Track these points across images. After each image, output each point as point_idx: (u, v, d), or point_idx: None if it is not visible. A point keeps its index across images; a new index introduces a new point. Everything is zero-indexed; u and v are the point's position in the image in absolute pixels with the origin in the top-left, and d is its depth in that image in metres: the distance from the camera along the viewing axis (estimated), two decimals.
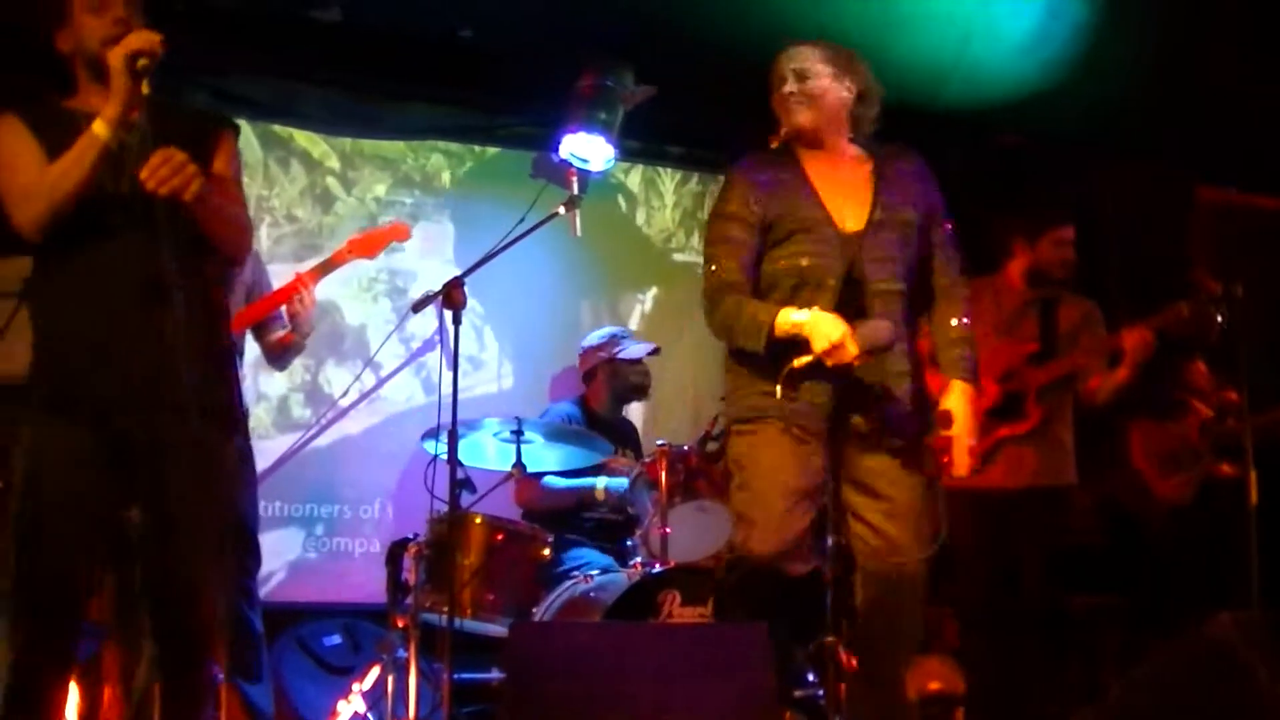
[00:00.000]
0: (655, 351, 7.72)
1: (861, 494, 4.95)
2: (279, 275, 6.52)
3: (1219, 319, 6.00)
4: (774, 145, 5.02)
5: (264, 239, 7.73)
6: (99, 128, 3.85)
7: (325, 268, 6.47)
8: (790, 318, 4.66)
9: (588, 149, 7.47)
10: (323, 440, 7.68)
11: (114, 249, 3.95)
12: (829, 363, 4.61)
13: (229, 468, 4.21)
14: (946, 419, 4.83)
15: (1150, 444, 7.17)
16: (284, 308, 6.18)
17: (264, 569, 6.26)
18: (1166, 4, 7.68)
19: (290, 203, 7.96)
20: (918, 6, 7.62)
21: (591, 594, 6.35)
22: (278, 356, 6.33)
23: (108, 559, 4.17)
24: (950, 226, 5.07)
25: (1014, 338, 6.28)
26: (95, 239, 3.97)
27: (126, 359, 3.95)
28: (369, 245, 6.71)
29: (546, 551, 6.50)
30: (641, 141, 8.37)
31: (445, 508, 5.56)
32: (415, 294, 7.77)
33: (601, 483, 7.14)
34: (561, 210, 6.36)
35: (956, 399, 4.85)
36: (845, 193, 4.87)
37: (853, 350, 4.58)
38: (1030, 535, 6.17)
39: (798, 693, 6.32)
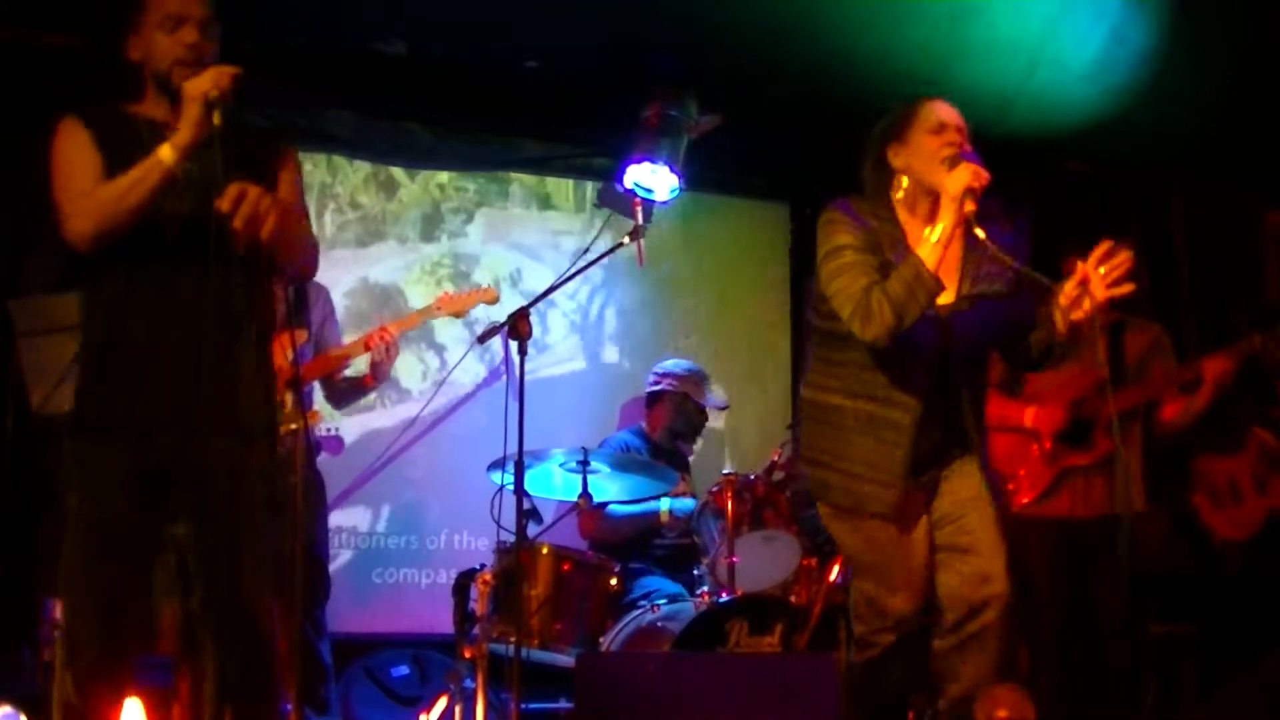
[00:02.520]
0: (725, 408, 7.72)
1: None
2: (341, 261, 6.55)
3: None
4: (897, 195, 4.89)
5: (328, 225, 7.82)
6: (166, 154, 3.87)
7: (412, 321, 6.55)
8: (929, 238, 4.55)
9: (652, 179, 7.48)
10: (390, 470, 7.70)
11: (168, 271, 3.96)
12: (979, 183, 4.56)
13: (283, 491, 4.22)
14: None
15: (1206, 478, 7.11)
16: (369, 354, 6.25)
17: (332, 599, 6.30)
18: (1232, 30, 7.63)
19: (354, 189, 8.02)
20: (983, 33, 7.59)
21: (659, 624, 6.34)
22: (343, 396, 6.39)
23: (169, 586, 4.16)
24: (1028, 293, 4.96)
25: (1082, 363, 6.23)
26: (150, 260, 3.99)
27: (179, 389, 3.96)
28: (457, 305, 6.83)
29: (614, 581, 6.48)
30: (706, 170, 8.36)
31: (512, 538, 5.56)
32: (478, 279, 7.91)
33: (665, 504, 7.12)
34: (627, 240, 6.38)
35: None
36: (942, 260, 4.61)
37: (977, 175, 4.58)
38: (1102, 563, 6.11)
39: None
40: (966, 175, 4.42)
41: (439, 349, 7.92)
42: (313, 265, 4.29)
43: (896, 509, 4.69)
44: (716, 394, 7.72)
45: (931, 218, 4.63)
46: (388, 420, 7.63)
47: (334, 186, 7.95)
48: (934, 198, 4.66)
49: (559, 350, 8.26)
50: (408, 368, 7.73)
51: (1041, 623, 6.07)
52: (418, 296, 8.00)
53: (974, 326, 4.73)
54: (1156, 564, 6.54)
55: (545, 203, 8.45)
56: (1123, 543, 6.14)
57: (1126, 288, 4.50)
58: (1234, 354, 6.06)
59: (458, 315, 6.92)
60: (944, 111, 4.84)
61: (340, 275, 7.65)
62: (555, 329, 8.26)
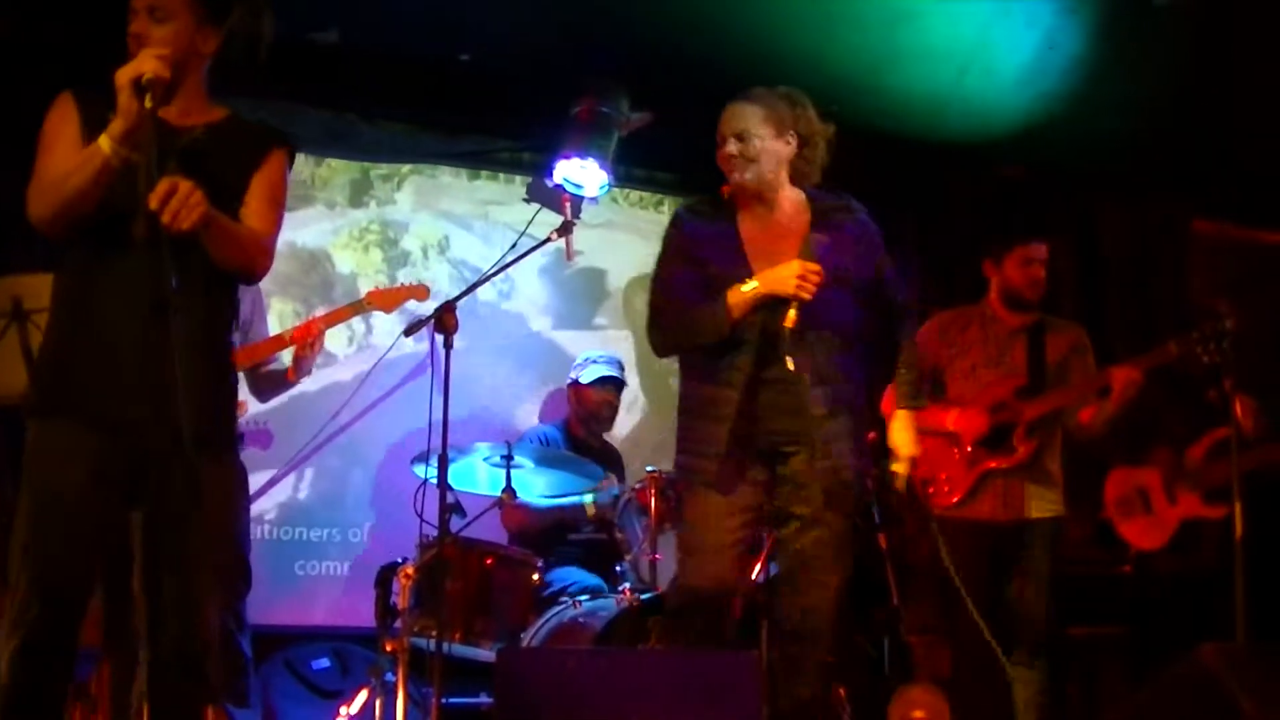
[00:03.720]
0: (609, 380, 7.71)
1: None
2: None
3: (1206, 359, 5.98)
4: (725, 194, 5.23)
5: None
6: (103, 143, 3.82)
7: (339, 316, 6.49)
8: (740, 290, 4.91)
9: (582, 174, 7.48)
10: (313, 461, 7.66)
11: (125, 264, 3.90)
12: (806, 294, 4.81)
13: (223, 491, 4.19)
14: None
15: (1117, 489, 7.17)
16: (293, 348, 6.17)
17: (253, 592, 6.25)
18: (1162, 39, 7.68)
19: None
20: (916, 39, 7.63)
21: (581, 619, 6.34)
22: (267, 390, 6.31)
23: (102, 573, 4.13)
24: (892, 272, 5.36)
25: (1003, 368, 6.26)
26: (109, 252, 3.95)
27: (127, 375, 3.91)
28: (387, 301, 6.75)
29: (536, 576, 6.49)
30: (636, 167, 8.37)
31: (435, 532, 5.55)
32: (406, 246, 8.00)
33: (590, 498, 7.10)
34: (555, 235, 6.36)
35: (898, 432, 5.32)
36: (775, 249, 5.02)
37: (806, 269, 4.84)
38: (1024, 566, 6.14)
39: None
40: None
41: (365, 315, 7.87)
42: (249, 268, 4.18)
43: (720, 481, 4.95)
44: (592, 367, 7.71)
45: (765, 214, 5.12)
46: (312, 385, 7.51)
47: None
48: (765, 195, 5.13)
49: (484, 342, 8.25)
50: (334, 334, 7.67)
51: (960, 623, 6.09)
52: (345, 262, 8.04)
53: (817, 311, 4.93)
54: (1078, 567, 6.58)
55: (475, 173, 8.45)
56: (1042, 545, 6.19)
57: None
58: (1143, 363, 6.09)
59: (386, 311, 6.86)
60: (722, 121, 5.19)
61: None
62: (482, 319, 8.22)
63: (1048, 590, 6.13)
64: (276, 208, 4.25)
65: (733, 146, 5.08)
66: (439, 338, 5.30)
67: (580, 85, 7.54)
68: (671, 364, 8.63)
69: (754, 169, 5.07)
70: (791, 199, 5.20)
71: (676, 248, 5.16)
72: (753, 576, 6.71)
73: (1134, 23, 7.57)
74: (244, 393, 6.41)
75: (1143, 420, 6.39)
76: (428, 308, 5.93)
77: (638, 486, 6.76)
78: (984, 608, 6.07)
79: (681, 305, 5.07)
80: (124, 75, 3.78)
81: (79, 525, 3.95)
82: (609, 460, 7.62)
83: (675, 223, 5.25)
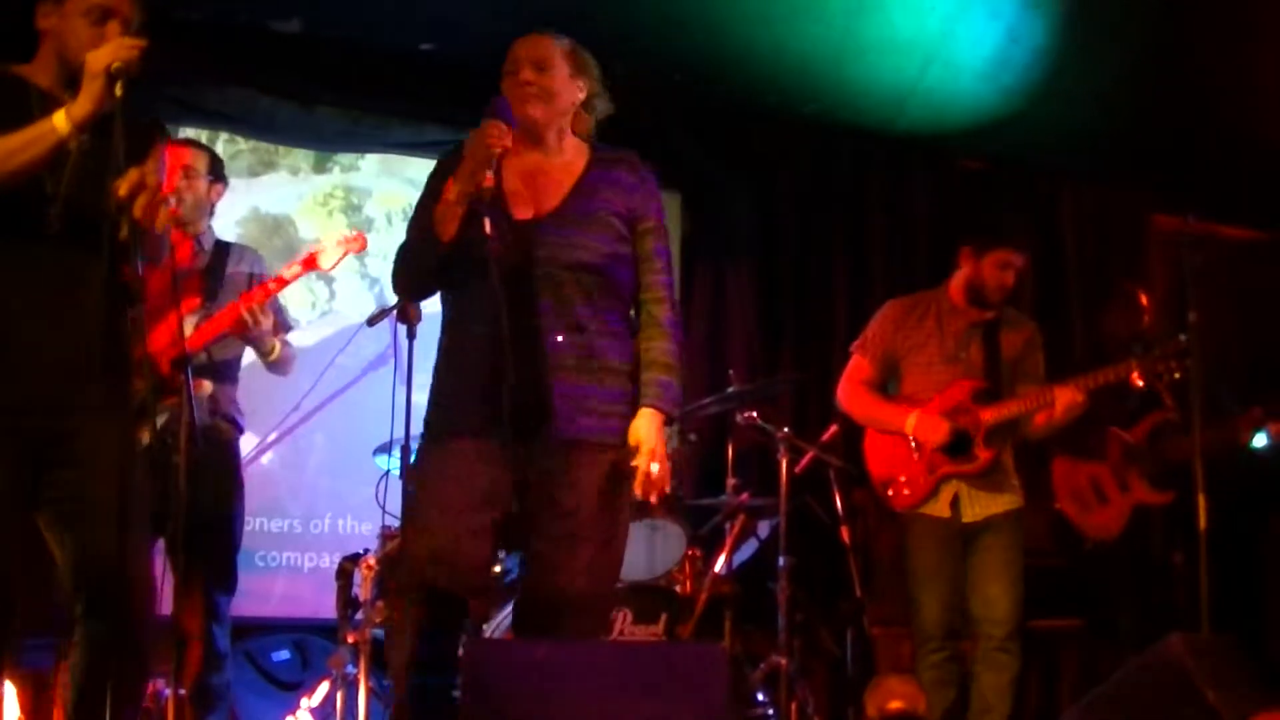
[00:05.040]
0: None
1: None
2: (232, 190, 6.43)
3: (1171, 377, 6.01)
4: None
5: (220, 153, 7.65)
6: (61, 123, 3.79)
7: (281, 283, 6.33)
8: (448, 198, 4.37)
9: None
10: (273, 453, 7.63)
11: (38, 244, 3.90)
12: (502, 145, 4.31)
13: (132, 451, 4.14)
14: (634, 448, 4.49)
15: (1068, 482, 7.19)
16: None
17: None
18: (1126, 33, 7.71)
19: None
20: (879, 31, 7.64)
21: None
22: (273, 364, 6.22)
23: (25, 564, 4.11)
24: (663, 246, 4.74)
25: (959, 365, 6.24)
26: (22, 232, 3.93)
27: (39, 357, 3.92)
28: (327, 260, 6.45)
29: (498, 568, 6.46)
30: None
31: (397, 523, 5.53)
32: (370, 213, 7.98)
33: None
34: None
35: (644, 425, 4.51)
36: (539, 186, 4.57)
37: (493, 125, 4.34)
38: (991, 559, 6.15)
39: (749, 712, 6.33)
40: None
41: (328, 279, 7.84)
42: (161, 256, 4.19)
43: (463, 434, 4.44)
44: None
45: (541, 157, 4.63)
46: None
47: None
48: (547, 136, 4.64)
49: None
50: (298, 298, 7.65)
51: (924, 616, 6.10)
52: (308, 227, 8.00)
53: (565, 240, 4.52)
54: (1035, 558, 6.59)
55: None
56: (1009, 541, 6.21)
57: None
58: (1092, 382, 6.10)
59: (327, 271, 6.63)
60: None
61: (231, 204, 7.51)
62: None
63: (1018, 579, 6.13)
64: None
65: (529, 74, 4.56)
66: (401, 328, 5.25)
67: None
68: None
69: (547, 104, 4.57)
70: (571, 145, 4.71)
71: (432, 190, 4.55)
72: (716, 568, 6.74)
73: (1097, 16, 7.60)
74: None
75: (1086, 417, 6.38)
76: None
77: None
78: (947, 603, 6.07)
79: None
80: (97, 62, 3.77)
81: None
82: None
83: (439, 166, 4.65)
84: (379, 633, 5.90)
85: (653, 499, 4.44)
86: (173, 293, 4.73)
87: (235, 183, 7.17)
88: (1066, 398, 6.05)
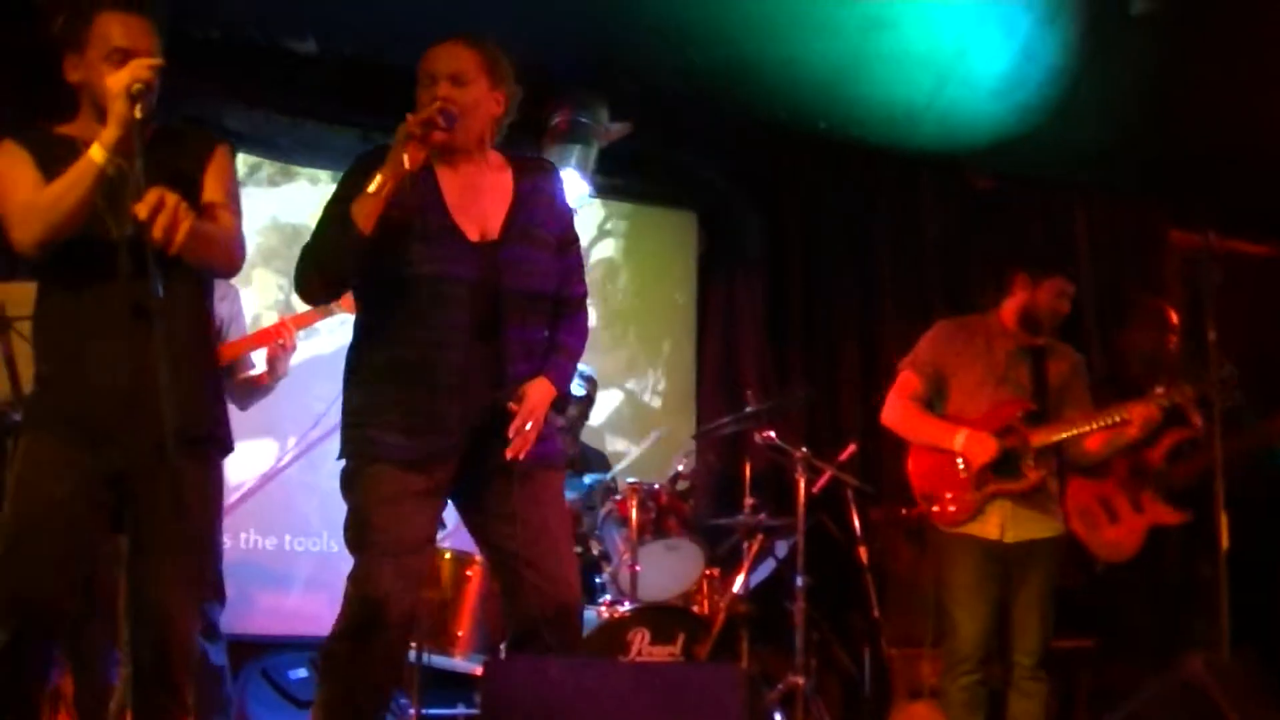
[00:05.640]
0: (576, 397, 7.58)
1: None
2: (251, 199, 6.45)
3: (1224, 404, 5.99)
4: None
5: (240, 164, 7.60)
6: (96, 153, 3.85)
7: (309, 319, 6.38)
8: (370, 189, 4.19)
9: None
10: (292, 470, 7.62)
11: (107, 274, 3.93)
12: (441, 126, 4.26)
13: (206, 494, 4.20)
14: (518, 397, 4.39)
15: (1075, 500, 7.16)
16: (264, 350, 6.08)
17: (230, 601, 6.22)
18: (1140, 50, 7.70)
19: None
20: (894, 47, 7.64)
21: None
22: (244, 396, 6.24)
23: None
24: (578, 250, 4.77)
25: (1008, 388, 6.22)
26: (90, 264, 3.98)
27: (111, 386, 3.96)
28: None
29: None
30: (615, 178, 8.35)
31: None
32: None
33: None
34: None
35: (540, 389, 4.42)
36: (478, 204, 4.48)
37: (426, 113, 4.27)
38: (1030, 583, 6.12)
39: None
40: None
41: None
42: (230, 266, 4.26)
43: (419, 461, 4.33)
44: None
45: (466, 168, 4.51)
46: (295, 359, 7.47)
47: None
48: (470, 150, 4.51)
49: None
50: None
51: (960, 636, 6.07)
52: None
53: (522, 260, 4.47)
54: (1060, 579, 6.55)
55: None
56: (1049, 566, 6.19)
57: None
58: (1159, 403, 6.08)
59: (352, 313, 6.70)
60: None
61: (251, 213, 7.54)
62: None
63: (1052, 608, 6.11)
64: (235, 200, 4.29)
65: (445, 89, 4.40)
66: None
67: (558, 96, 7.52)
68: (641, 373, 8.74)
69: (465, 118, 4.40)
70: (490, 156, 4.60)
71: (344, 193, 4.35)
72: (734, 588, 6.73)
73: (1111, 33, 7.59)
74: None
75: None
76: None
77: (618, 498, 6.75)
78: (986, 624, 6.04)
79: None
80: (117, 83, 3.82)
81: (59, 543, 3.96)
82: (588, 465, 7.58)
83: (352, 170, 4.46)
84: None
85: (508, 454, 4.31)
86: None
87: (255, 192, 7.21)
88: (1143, 413, 6.05)
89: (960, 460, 6.10)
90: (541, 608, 4.43)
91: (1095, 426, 6.15)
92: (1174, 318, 7.14)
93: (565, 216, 4.68)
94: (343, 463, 4.45)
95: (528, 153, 4.84)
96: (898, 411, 6.33)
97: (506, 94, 4.57)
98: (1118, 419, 6.09)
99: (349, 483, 4.41)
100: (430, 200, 4.40)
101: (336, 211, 4.30)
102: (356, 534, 4.35)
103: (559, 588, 4.45)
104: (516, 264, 4.43)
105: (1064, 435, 6.14)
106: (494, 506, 4.44)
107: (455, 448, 4.35)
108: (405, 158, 4.15)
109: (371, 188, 4.16)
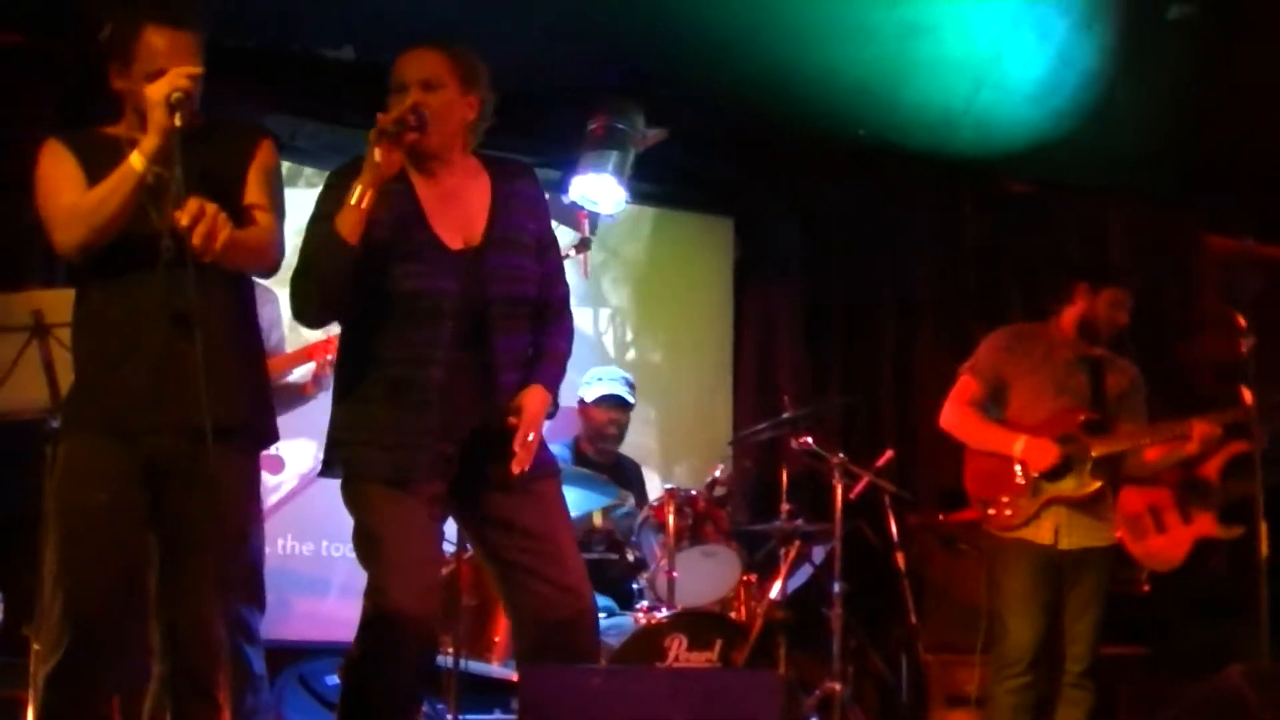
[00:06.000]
0: (612, 398, 7.60)
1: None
2: (293, 200, 6.47)
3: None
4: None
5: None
6: (135, 161, 3.89)
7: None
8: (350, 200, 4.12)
9: (598, 191, 7.45)
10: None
11: (150, 277, 3.94)
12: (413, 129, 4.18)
13: (243, 486, 4.21)
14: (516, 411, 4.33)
15: (1124, 509, 7.13)
16: (311, 363, 6.12)
17: (269, 606, 6.24)
18: (1177, 53, 7.68)
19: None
20: (930, 52, 7.63)
21: (600, 637, 6.32)
22: (286, 402, 6.28)
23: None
24: (558, 252, 4.70)
25: (1067, 397, 6.21)
26: (133, 267, 4.00)
27: (150, 387, 3.98)
28: None
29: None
30: (652, 184, 8.35)
31: (451, 548, 5.54)
32: None
33: (598, 514, 7.06)
34: (572, 253, 6.35)
35: (535, 398, 4.37)
36: (458, 210, 4.42)
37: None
38: (1081, 591, 6.10)
39: None
40: None
41: None
42: (265, 268, 4.27)
43: (414, 477, 4.26)
44: (594, 385, 7.65)
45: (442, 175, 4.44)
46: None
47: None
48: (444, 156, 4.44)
49: None
50: None
51: (1012, 641, 6.05)
52: None
53: (505, 268, 4.42)
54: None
55: None
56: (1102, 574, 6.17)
57: None
58: (1223, 419, 6.07)
59: None
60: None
61: (292, 216, 7.57)
62: None
63: (1102, 616, 6.10)
64: (277, 196, 4.32)
65: (416, 95, 4.32)
66: None
67: (596, 101, 7.52)
68: (677, 379, 8.75)
69: (438, 125, 4.33)
70: (467, 162, 4.53)
71: (324, 210, 4.27)
72: (771, 594, 6.72)
73: (1147, 37, 7.58)
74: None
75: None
76: None
77: (654, 504, 6.75)
78: (1038, 629, 6.03)
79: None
80: (157, 92, 3.85)
81: (108, 551, 3.98)
82: (625, 476, 7.60)
83: (329, 186, 4.37)
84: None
85: (514, 468, 4.26)
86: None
87: (296, 194, 7.11)
88: (1204, 429, 6.04)
89: (1018, 466, 6.09)
90: (557, 620, 4.40)
91: (1156, 439, 6.15)
92: (1243, 323, 7.11)
93: (544, 218, 4.62)
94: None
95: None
96: (957, 416, 6.31)
97: (479, 98, 4.50)
98: (1179, 433, 6.08)
99: (348, 500, 4.37)
100: (408, 212, 4.33)
101: (320, 230, 4.21)
102: (363, 550, 4.34)
103: (572, 598, 4.41)
104: (500, 270, 4.38)
105: (1125, 447, 6.14)
106: (496, 520, 4.41)
107: (444, 463, 4.29)
108: (380, 161, 4.08)
109: (352, 199, 4.09)
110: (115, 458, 4.00)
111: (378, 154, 4.08)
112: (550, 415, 4.52)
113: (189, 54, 4.05)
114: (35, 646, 4.20)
